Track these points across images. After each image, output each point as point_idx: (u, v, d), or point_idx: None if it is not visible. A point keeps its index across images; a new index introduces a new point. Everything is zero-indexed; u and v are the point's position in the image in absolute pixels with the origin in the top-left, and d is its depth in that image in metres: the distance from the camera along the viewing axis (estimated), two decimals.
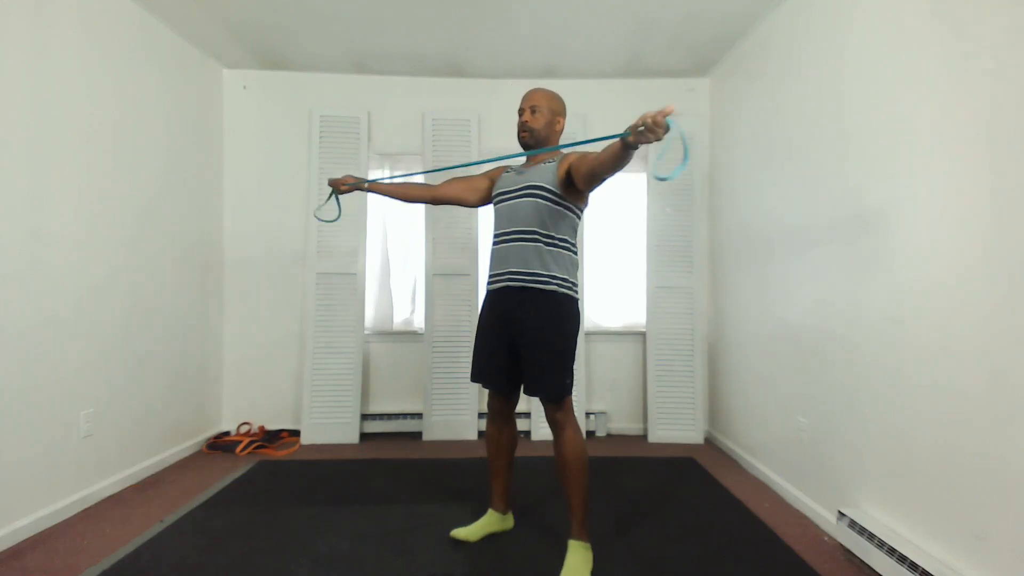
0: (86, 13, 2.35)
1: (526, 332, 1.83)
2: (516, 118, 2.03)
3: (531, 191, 1.84)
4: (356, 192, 3.32)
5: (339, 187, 2.15)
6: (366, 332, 3.52)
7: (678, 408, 3.41)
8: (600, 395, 3.59)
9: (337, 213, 2.35)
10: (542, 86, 2.26)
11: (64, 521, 2.21)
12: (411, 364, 3.54)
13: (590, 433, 3.53)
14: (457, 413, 3.43)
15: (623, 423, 3.59)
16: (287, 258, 3.49)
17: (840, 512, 1.98)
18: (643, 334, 3.56)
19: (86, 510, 2.32)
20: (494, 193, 1.99)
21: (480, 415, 3.43)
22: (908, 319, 1.78)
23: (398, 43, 3.10)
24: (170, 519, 2.21)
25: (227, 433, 3.37)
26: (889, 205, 1.87)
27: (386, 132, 3.55)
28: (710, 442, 3.40)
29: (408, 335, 3.59)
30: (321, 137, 3.45)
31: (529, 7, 2.70)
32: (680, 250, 3.46)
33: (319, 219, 2.32)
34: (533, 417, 3.44)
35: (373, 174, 3.55)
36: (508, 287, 1.87)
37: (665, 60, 3.30)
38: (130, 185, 2.63)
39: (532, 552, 1.95)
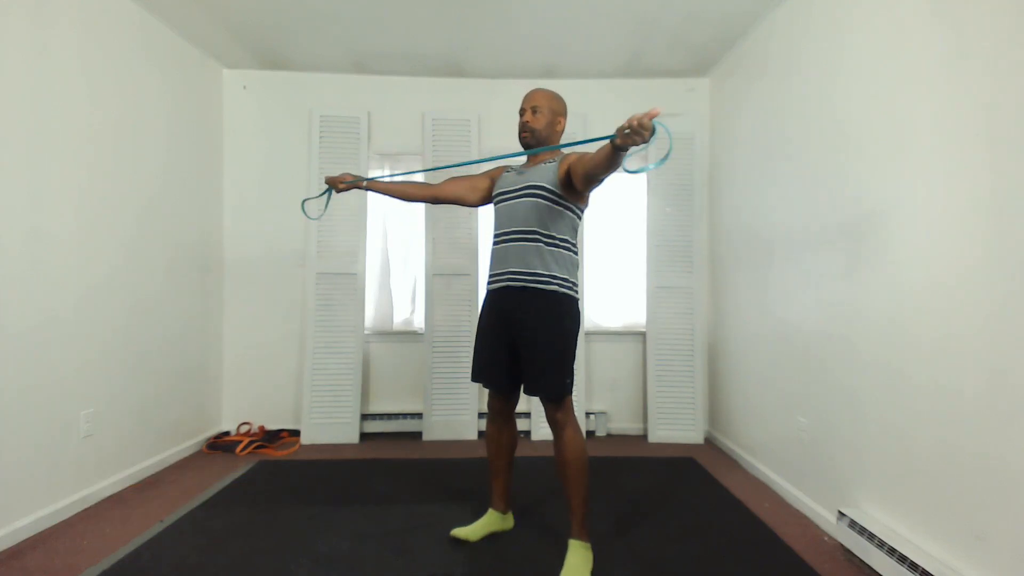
0: (86, 13, 2.35)
1: (526, 332, 1.83)
2: (516, 118, 2.03)
3: (531, 191, 1.84)
4: (356, 192, 3.38)
5: (336, 185, 2.13)
6: (366, 332, 3.52)
7: (678, 408, 3.41)
8: (600, 395, 3.59)
9: (321, 211, 2.32)
10: (543, 86, 2.26)
11: (64, 521, 2.21)
12: (411, 364, 3.54)
13: (590, 433, 3.53)
14: (457, 413, 3.43)
15: (623, 423, 3.59)
16: (287, 258, 3.49)
17: (840, 512, 1.98)
18: (643, 334, 3.56)
19: (86, 510, 2.32)
20: (494, 193, 1.99)
21: (480, 415, 3.43)
22: (908, 319, 1.78)
23: (398, 43, 3.10)
24: (170, 519, 2.21)
25: (227, 433, 3.37)
26: (889, 205, 1.87)
27: (386, 132, 3.55)
28: (710, 442, 3.40)
29: (408, 335, 3.59)
30: (321, 137, 3.45)
31: (529, 7, 2.70)
32: (680, 250, 3.46)
33: (304, 212, 2.28)
34: (533, 417, 3.44)
35: (373, 174, 3.55)
36: (508, 287, 1.87)
37: (665, 60, 3.30)
38: (130, 185, 2.63)
39: (532, 552, 1.95)
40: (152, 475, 2.76)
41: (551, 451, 1.90)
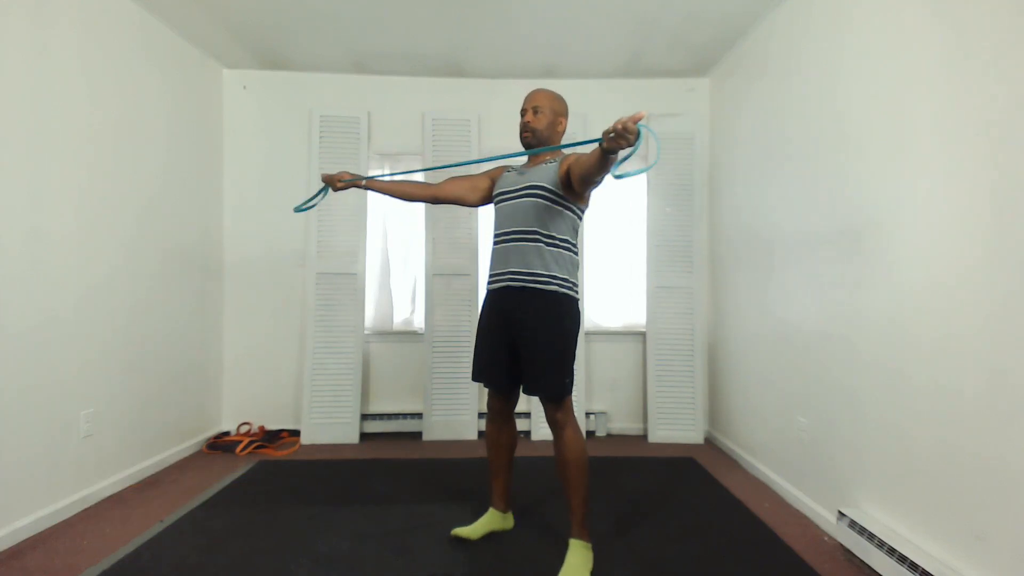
0: (86, 13, 2.35)
1: (526, 332, 1.83)
2: (516, 118, 2.03)
3: (532, 191, 1.84)
4: (356, 191, 3.38)
5: (334, 183, 2.10)
6: (366, 332, 3.52)
7: (678, 408, 3.41)
8: (600, 395, 3.59)
9: (306, 205, 2.22)
10: (543, 86, 2.25)
11: (64, 521, 2.21)
12: (411, 364, 3.54)
13: (590, 433, 3.53)
14: (457, 413, 3.43)
15: (623, 423, 3.59)
16: (287, 258, 3.49)
17: (840, 512, 1.98)
18: (643, 334, 3.56)
19: (86, 510, 2.32)
20: (495, 193, 1.99)
21: (480, 415, 3.43)
22: (908, 319, 1.78)
23: (398, 43, 3.10)
24: (170, 519, 2.21)
25: (227, 433, 3.37)
26: (889, 205, 1.87)
27: (386, 132, 3.55)
28: (710, 442, 3.40)
29: (408, 335, 3.59)
30: (321, 137, 3.45)
31: (529, 7, 2.70)
32: (680, 250, 3.46)
33: (295, 210, 2.22)
34: (533, 417, 3.44)
35: (373, 174, 3.54)
36: (508, 287, 1.87)
37: (665, 60, 3.30)
38: (130, 185, 2.63)
39: (532, 552, 1.95)
40: (152, 475, 2.76)
41: (551, 451, 1.90)
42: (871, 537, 1.80)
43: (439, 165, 2.24)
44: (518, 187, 1.89)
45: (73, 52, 2.29)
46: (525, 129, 1.92)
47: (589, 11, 2.73)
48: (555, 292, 1.82)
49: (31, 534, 2.08)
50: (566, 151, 1.94)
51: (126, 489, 2.57)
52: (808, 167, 2.35)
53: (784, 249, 2.55)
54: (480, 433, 3.41)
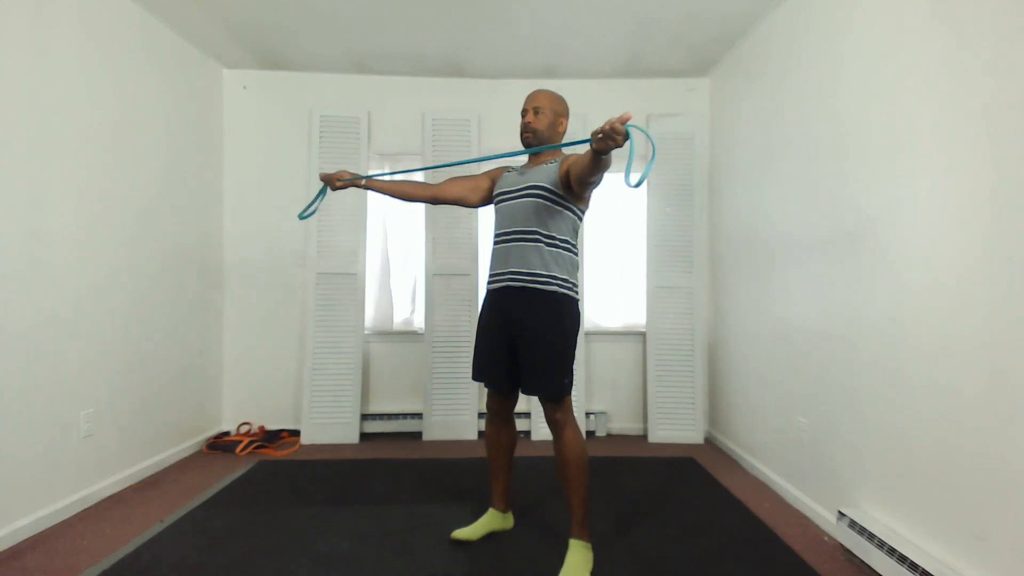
0: (86, 13, 2.35)
1: (526, 331, 1.83)
2: (516, 118, 2.03)
3: (532, 191, 1.84)
4: (355, 191, 3.38)
5: (333, 183, 2.08)
6: (366, 332, 3.52)
7: (678, 408, 3.41)
8: (600, 395, 3.59)
9: (310, 210, 2.19)
10: (544, 87, 2.26)
11: (64, 521, 2.21)
12: (411, 364, 3.54)
13: (590, 433, 3.53)
14: (457, 413, 3.43)
15: (623, 423, 3.59)
16: (287, 258, 3.49)
17: (840, 512, 1.98)
18: (643, 334, 3.56)
19: (86, 510, 2.32)
20: (495, 193, 1.99)
21: (480, 415, 3.43)
22: (908, 319, 1.78)
23: (398, 43, 3.10)
24: (170, 519, 2.21)
25: (227, 433, 3.37)
26: (889, 205, 1.87)
27: (386, 132, 3.55)
28: (710, 442, 3.40)
29: (408, 335, 3.59)
30: (321, 137, 3.45)
31: (529, 7, 2.70)
32: (680, 250, 3.46)
33: (299, 216, 2.17)
34: (533, 417, 3.44)
35: (372, 174, 3.54)
36: (508, 287, 1.87)
37: (665, 60, 3.30)
38: (130, 185, 2.63)
39: (532, 552, 1.95)
40: (152, 475, 2.76)
41: (551, 451, 1.90)
42: (871, 537, 1.80)
43: (439, 164, 2.24)
44: (518, 187, 1.89)
45: (73, 52, 2.29)
46: (526, 130, 1.92)
47: (589, 11, 2.73)
48: (555, 292, 1.82)
49: (31, 534, 2.08)
50: (565, 151, 1.95)
51: (126, 489, 2.57)
52: (808, 167, 2.35)
53: (784, 249, 2.55)
54: (480, 433, 3.41)
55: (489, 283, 1.96)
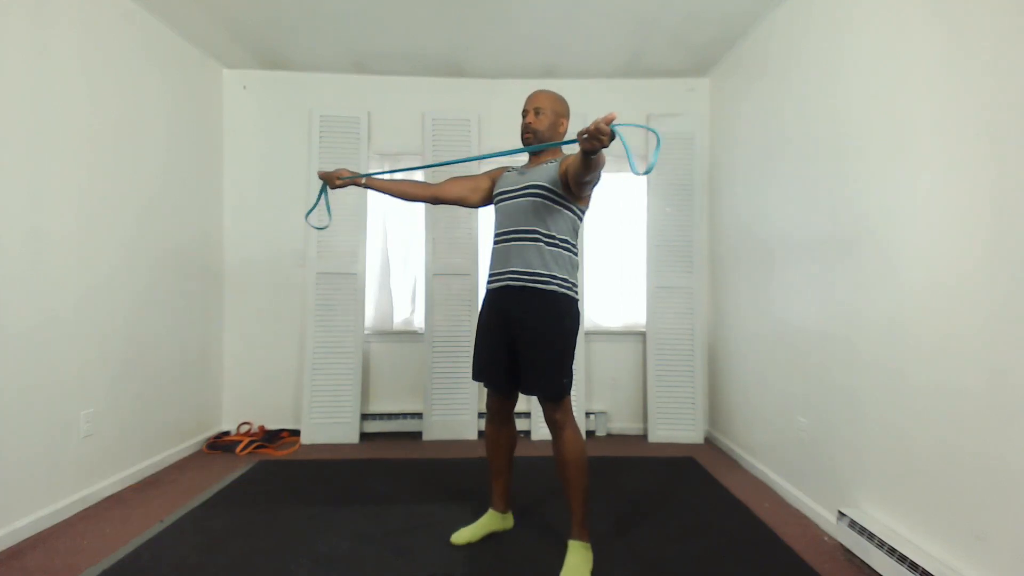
0: (86, 13, 2.35)
1: (525, 331, 1.83)
2: (516, 118, 2.03)
3: (532, 190, 1.84)
4: (355, 191, 3.38)
5: (332, 181, 2.05)
6: (366, 332, 3.52)
7: (678, 408, 3.41)
8: (600, 395, 3.59)
9: (328, 220, 2.17)
10: (544, 86, 2.26)
11: (64, 521, 2.21)
12: (411, 364, 3.54)
13: (590, 433, 3.53)
14: (457, 413, 3.43)
15: (623, 423, 3.59)
16: (287, 258, 3.49)
17: (840, 512, 1.98)
18: (643, 334, 3.56)
19: (86, 510, 2.32)
20: (495, 193, 1.99)
21: (480, 415, 3.43)
22: (908, 319, 1.78)
23: (398, 43, 3.10)
24: (170, 519, 2.22)
25: (227, 433, 3.37)
26: (889, 205, 1.87)
27: (386, 132, 3.55)
28: (710, 442, 3.40)
29: (408, 335, 3.59)
30: (321, 137, 3.45)
31: (529, 7, 2.70)
32: (680, 250, 3.46)
33: (312, 226, 2.15)
34: (533, 417, 3.44)
35: (371, 171, 3.54)
36: (508, 286, 1.87)
37: (665, 60, 3.30)
38: (130, 185, 2.63)
39: (532, 552, 1.95)
40: (152, 475, 2.76)
41: (551, 451, 1.90)
42: (871, 537, 1.80)
43: (439, 162, 2.23)
44: (518, 187, 1.89)
45: (73, 52, 2.29)
46: (526, 130, 1.92)
47: (589, 11, 2.73)
48: (554, 292, 1.82)
49: (31, 534, 2.08)
50: (566, 150, 1.95)
51: (126, 489, 2.57)
52: (808, 167, 2.35)
53: (784, 249, 2.55)
54: (480, 433, 3.41)
55: (489, 283, 1.96)
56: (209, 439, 3.24)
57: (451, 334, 3.45)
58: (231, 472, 2.79)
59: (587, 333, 3.54)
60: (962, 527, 1.56)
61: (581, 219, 1.92)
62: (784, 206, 2.55)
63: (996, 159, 1.48)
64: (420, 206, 3.51)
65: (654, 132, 1.43)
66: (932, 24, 1.70)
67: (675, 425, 3.40)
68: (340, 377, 3.38)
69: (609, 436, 3.54)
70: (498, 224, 1.94)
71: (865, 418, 1.97)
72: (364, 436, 3.44)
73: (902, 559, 1.66)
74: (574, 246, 1.89)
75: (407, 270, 3.66)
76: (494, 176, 2.09)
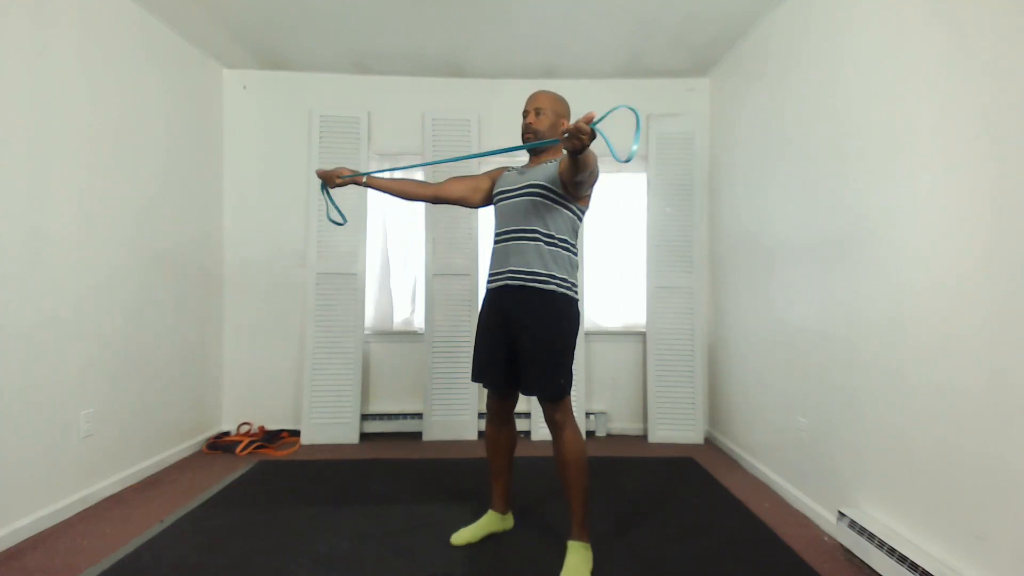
0: (86, 13, 2.35)
1: (524, 331, 1.83)
2: (516, 118, 2.03)
3: (531, 190, 1.84)
4: (356, 191, 3.38)
5: (332, 180, 2.02)
6: (366, 332, 3.52)
7: (678, 408, 3.41)
8: (600, 395, 3.59)
9: (342, 217, 2.14)
10: (544, 86, 2.26)
11: (64, 521, 2.21)
12: (411, 364, 3.54)
13: (590, 433, 3.53)
14: (457, 413, 3.43)
15: (623, 423, 3.59)
16: (287, 258, 3.49)
17: (840, 512, 1.98)
18: (643, 334, 3.56)
19: (86, 510, 2.32)
20: (495, 192, 1.99)
21: (480, 415, 3.43)
22: (908, 319, 1.78)
23: (398, 43, 3.10)
24: (170, 519, 2.22)
25: (227, 433, 3.37)
26: (889, 205, 1.87)
27: (386, 132, 3.55)
28: (710, 442, 3.40)
29: (408, 335, 3.59)
30: (321, 137, 3.45)
31: (529, 7, 2.70)
32: (680, 250, 3.46)
33: (333, 221, 2.11)
34: (533, 417, 3.44)
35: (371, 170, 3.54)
36: (507, 286, 1.87)
37: (665, 60, 3.30)
38: (130, 185, 2.63)
39: (532, 552, 1.95)
40: (152, 475, 2.76)
41: (551, 451, 1.90)
42: (871, 537, 1.80)
43: (439, 160, 2.22)
44: (517, 186, 1.89)
45: (73, 52, 2.29)
46: (527, 130, 1.92)
47: (589, 11, 2.73)
48: (553, 292, 1.82)
49: (31, 534, 2.08)
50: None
51: (126, 489, 2.57)
52: (808, 167, 2.35)
53: (784, 249, 2.55)
54: (480, 433, 3.41)
55: (488, 282, 1.96)
56: (209, 439, 3.24)
57: (451, 334, 3.45)
58: (231, 472, 2.79)
59: (587, 333, 3.54)
60: (962, 527, 1.56)
61: (581, 219, 1.92)
62: (784, 206, 2.55)
63: (996, 159, 1.48)
64: (420, 206, 3.51)
65: (632, 110, 1.47)
66: (932, 24, 1.70)
67: (675, 425, 3.40)
68: (340, 377, 3.38)
69: (609, 436, 3.54)
70: (498, 224, 1.94)
71: (865, 418, 1.97)
72: (364, 436, 3.44)
73: (902, 559, 1.66)
74: (574, 246, 1.89)
75: (407, 270, 3.66)
76: (494, 176, 2.09)
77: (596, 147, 1.64)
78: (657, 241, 3.47)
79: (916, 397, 1.74)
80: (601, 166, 1.82)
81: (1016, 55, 1.43)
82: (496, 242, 1.93)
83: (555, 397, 1.81)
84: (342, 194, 3.29)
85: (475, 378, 1.98)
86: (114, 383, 2.53)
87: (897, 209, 1.83)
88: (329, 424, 3.35)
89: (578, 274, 1.93)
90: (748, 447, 2.94)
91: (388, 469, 2.83)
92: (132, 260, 2.64)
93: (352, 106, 3.50)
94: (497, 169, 2.11)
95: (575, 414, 1.88)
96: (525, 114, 1.94)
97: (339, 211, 2.17)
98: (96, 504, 2.39)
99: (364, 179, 2.04)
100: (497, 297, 1.91)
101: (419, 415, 3.48)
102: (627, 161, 1.42)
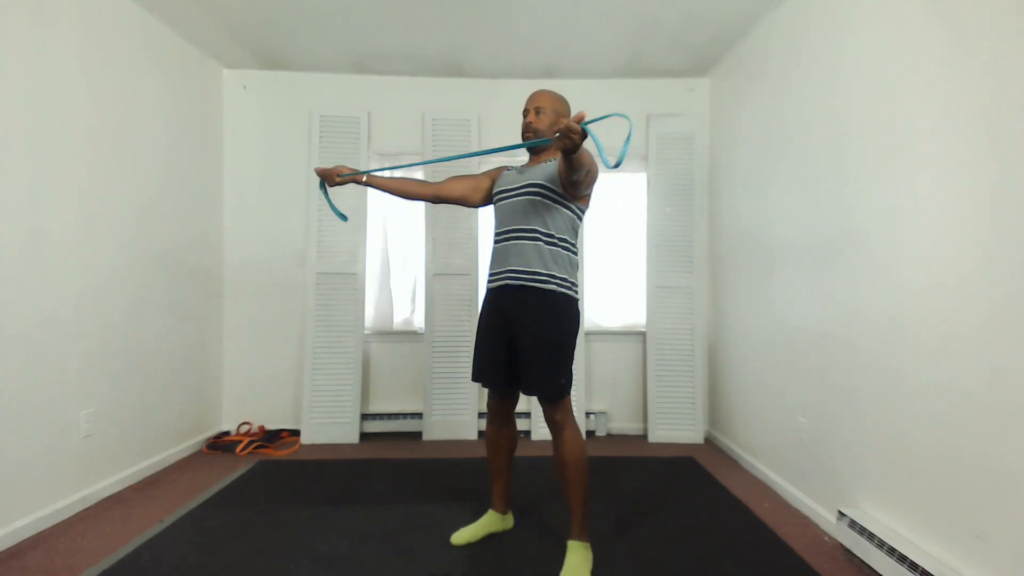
0: (86, 13, 2.35)
1: (524, 331, 1.83)
2: (516, 118, 2.03)
3: (531, 189, 1.84)
4: (356, 191, 3.38)
5: (332, 179, 2.00)
6: (366, 332, 3.52)
7: (678, 408, 3.41)
8: (600, 395, 3.59)
9: (340, 216, 2.13)
10: (544, 86, 2.26)
11: (64, 521, 2.21)
12: (411, 364, 3.54)
13: (590, 433, 3.53)
14: (457, 413, 3.43)
15: (623, 423, 3.59)
16: (287, 258, 3.49)
17: (840, 512, 1.98)
18: (643, 334, 3.56)
19: (86, 510, 2.32)
20: (494, 192, 1.99)
21: (480, 415, 3.43)
22: (908, 319, 1.78)
23: (398, 43, 3.10)
24: (170, 519, 2.22)
25: (227, 433, 3.37)
26: (889, 205, 1.87)
27: (386, 132, 3.55)
28: (710, 442, 3.40)
29: (408, 335, 3.59)
30: (321, 137, 3.45)
31: (529, 7, 2.70)
32: (680, 250, 3.46)
33: (337, 213, 2.09)
34: (533, 417, 3.44)
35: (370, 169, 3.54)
36: (507, 285, 1.87)
37: (665, 60, 3.30)
38: (130, 185, 2.63)
39: (532, 552, 1.95)
40: (152, 475, 2.76)
41: (551, 451, 1.90)
42: (871, 537, 1.80)
43: (439, 158, 2.21)
44: (517, 185, 1.89)
45: (73, 52, 2.29)
46: (527, 130, 1.92)
47: (589, 11, 2.73)
48: (553, 291, 1.82)
49: (31, 534, 2.08)
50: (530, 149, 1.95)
51: (126, 489, 2.57)
52: (808, 167, 2.35)
53: (784, 249, 2.55)
54: (480, 433, 3.41)
55: (489, 282, 1.96)
56: (209, 439, 3.24)
57: (451, 334, 3.45)
58: (231, 472, 2.79)
59: (587, 333, 3.54)
60: (962, 527, 1.56)
61: (581, 218, 1.92)
62: (784, 206, 2.55)
63: (996, 159, 1.48)
64: (420, 206, 3.51)
65: (625, 117, 1.48)
66: (932, 24, 1.70)
67: (675, 425, 3.40)
68: (340, 377, 3.38)
69: (609, 436, 3.54)
70: (498, 223, 1.94)
71: (865, 418, 1.97)
72: (364, 436, 3.44)
73: (902, 559, 1.66)
74: (574, 245, 1.89)
75: (407, 270, 3.66)
76: (494, 176, 2.08)
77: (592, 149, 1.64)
78: (657, 241, 3.47)
79: (916, 397, 1.74)
80: (601, 166, 1.83)
81: (1016, 55, 1.43)
82: (496, 242, 1.93)
83: (555, 397, 1.81)
84: (342, 194, 3.29)
85: (475, 378, 1.98)
86: (114, 383, 2.53)
87: (897, 209, 1.83)
88: (329, 424, 3.35)
89: (578, 274, 1.93)
90: (748, 447, 2.94)
91: (388, 469, 2.83)
92: (132, 260, 2.64)
93: (352, 106, 3.50)
94: (497, 168, 2.11)
95: (575, 414, 1.88)
96: (525, 113, 1.94)
97: (336, 210, 2.14)
98: (96, 504, 2.39)
99: (364, 178, 2.02)
100: (497, 297, 1.91)
101: (419, 415, 3.48)
102: (616, 167, 1.42)
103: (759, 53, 2.84)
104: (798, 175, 2.43)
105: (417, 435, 3.46)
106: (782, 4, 2.59)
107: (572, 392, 1.86)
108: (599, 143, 1.42)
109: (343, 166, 2.03)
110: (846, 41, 2.11)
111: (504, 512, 2.09)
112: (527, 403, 3.43)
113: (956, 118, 1.60)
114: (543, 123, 1.91)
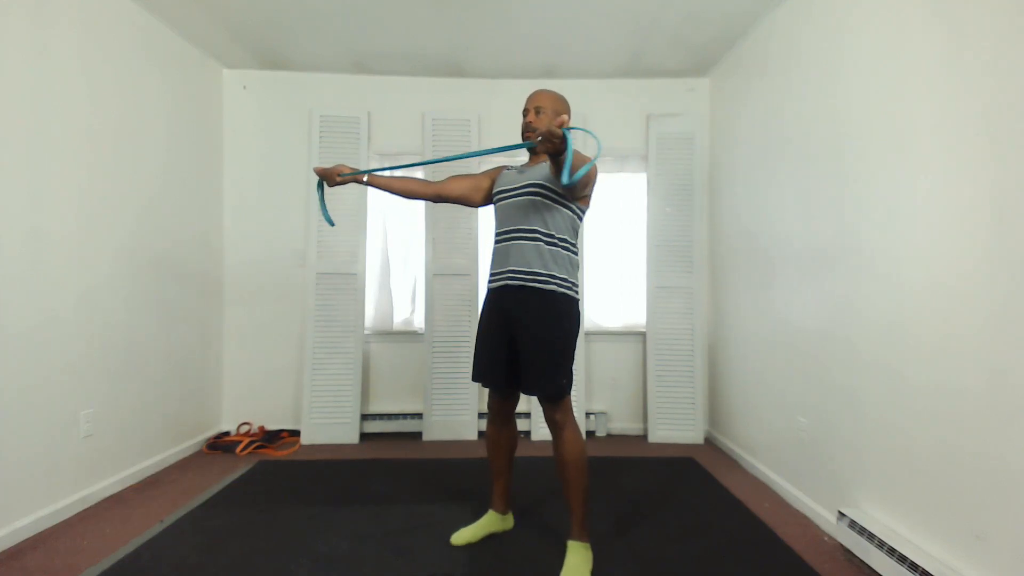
0: (86, 13, 2.35)
1: (524, 331, 1.83)
2: (516, 118, 2.03)
3: (531, 189, 1.84)
4: (356, 190, 3.38)
5: (332, 178, 1.99)
6: (366, 332, 3.52)
7: (678, 408, 3.41)
8: (600, 395, 3.59)
9: (329, 220, 2.08)
10: (544, 86, 2.25)
11: (64, 521, 2.21)
12: (411, 364, 3.54)
13: (590, 433, 3.53)
14: (457, 413, 3.43)
15: (623, 423, 3.59)
16: (287, 258, 3.49)
17: (840, 512, 1.98)
18: (643, 334, 3.56)
19: (86, 510, 2.32)
20: (494, 191, 1.99)
21: (480, 415, 3.43)
22: (908, 319, 1.78)
23: (398, 43, 3.10)
24: (170, 519, 2.22)
25: (227, 433, 3.37)
26: (889, 205, 1.87)
27: (386, 132, 3.55)
28: (710, 442, 3.40)
29: (408, 335, 3.59)
30: (321, 137, 3.45)
31: (529, 7, 2.70)
32: (680, 250, 3.46)
33: (327, 219, 2.07)
34: (533, 417, 3.44)
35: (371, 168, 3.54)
36: (508, 285, 1.87)
37: (665, 60, 3.30)
38: (130, 185, 2.63)
39: (532, 552, 1.95)
40: (152, 475, 2.76)
41: (551, 451, 1.90)
42: (871, 537, 1.80)
43: (439, 158, 2.21)
44: (517, 185, 1.89)
45: (73, 52, 2.29)
46: (527, 129, 1.92)
47: (589, 11, 2.73)
48: (554, 292, 1.82)
49: (31, 534, 2.08)
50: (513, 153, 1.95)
51: (126, 489, 2.57)
52: (808, 167, 2.35)
53: (784, 249, 2.55)
54: (480, 433, 3.41)
55: (489, 282, 1.96)
56: (209, 439, 3.24)
57: (451, 334, 3.45)
58: (231, 472, 2.79)
59: (587, 333, 3.54)
60: (962, 527, 1.56)
61: (581, 218, 1.92)
62: (784, 206, 2.55)
63: (996, 159, 1.48)
64: (420, 205, 3.51)
65: (591, 134, 1.57)
66: (932, 24, 1.70)
67: (675, 425, 3.40)
68: (340, 377, 3.38)
69: (609, 436, 3.54)
70: (498, 223, 1.94)
71: (865, 418, 1.97)
72: (364, 436, 3.44)
73: (902, 559, 1.66)
74: (574, 245, 1.89)
75: (407, 270, 3.66)
76: (493, 176, 2.08)
77: (592, 150, 1.64)
78: (657, 241, 3.47)
79: (916, 397, 1.74)
80: (601, 166, 1.82)
81: (1016, 55, 1.43)
82: (496, 242, 1.93)
83: (555, 397, 1.81)
84: (342, 194, 3.30)
85: (475, 378, 1.98)
86: (114, 383, 2.52)
87: (897, 209, 1.83)
88: (329, 424, 3.35)
89: (578, 274, 1.92)
90: (748, 447, 2.94)
91: (388, 469, 2.83)
92: (132, 260, 2.64)
93: (352, 106, 3.50)
94: (497, 168, 2.11)
95: (575, 414, 1.88)
96: (525, 113, 1.94)
97: (326, 214, 2.10)
98: (96, 504, 2.39)
99: (365, 178, 2.01)
100: (498, 297, 1.91)
101: (419, 415, 3.48)
102: (568, 184, 1.43)
103: (759, 53, 2.84)
104: (798, 175, 2.43)
105: (417, 435, 3.46)
106: (782, 4, 2.59)
107: (572, 392, 1.86)
108: (570, 157, 1.42)
109: (343, 166, 2.01)
110: (846, 41, 2.11)
111: (504, 512, 2.09)
112: (527, 403, 3.43)
113: (956, 118, 1.60)
114: (543, 123, 1.90)
